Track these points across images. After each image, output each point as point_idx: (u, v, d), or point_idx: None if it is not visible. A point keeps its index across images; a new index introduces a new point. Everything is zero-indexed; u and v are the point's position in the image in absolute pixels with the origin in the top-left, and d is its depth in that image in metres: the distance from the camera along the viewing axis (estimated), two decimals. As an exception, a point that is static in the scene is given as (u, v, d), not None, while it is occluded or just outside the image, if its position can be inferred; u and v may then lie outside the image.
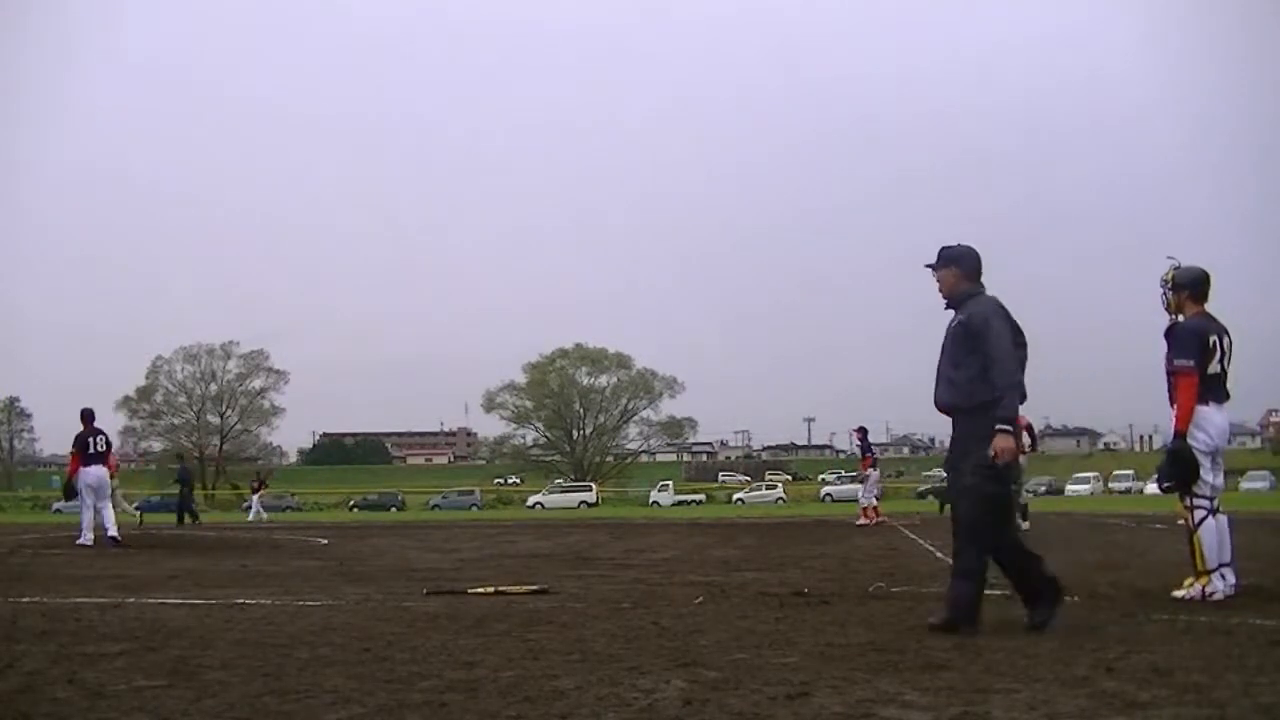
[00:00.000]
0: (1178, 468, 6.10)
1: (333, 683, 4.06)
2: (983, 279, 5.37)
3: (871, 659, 4.40)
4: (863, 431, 19.55)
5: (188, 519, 25.07)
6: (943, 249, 5.39)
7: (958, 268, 5.34)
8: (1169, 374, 6.25)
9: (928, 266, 5.41)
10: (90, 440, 14.34)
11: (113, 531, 14.14)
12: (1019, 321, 5.30)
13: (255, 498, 27.07)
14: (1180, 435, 6.11)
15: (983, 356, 5.08)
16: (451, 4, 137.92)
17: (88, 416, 14.53)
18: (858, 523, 18.12)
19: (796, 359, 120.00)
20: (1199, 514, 6.12)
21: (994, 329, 5.11)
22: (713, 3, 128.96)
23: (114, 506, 14.96)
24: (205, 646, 4.99)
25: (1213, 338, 6.16)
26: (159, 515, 45.70)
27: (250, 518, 25.71)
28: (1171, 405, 6.23)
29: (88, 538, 13.89)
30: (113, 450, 14.91)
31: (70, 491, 14.87)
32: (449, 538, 17.03)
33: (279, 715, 3.59)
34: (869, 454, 19.03)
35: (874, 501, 18.63)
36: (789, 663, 4.35)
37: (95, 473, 14.16)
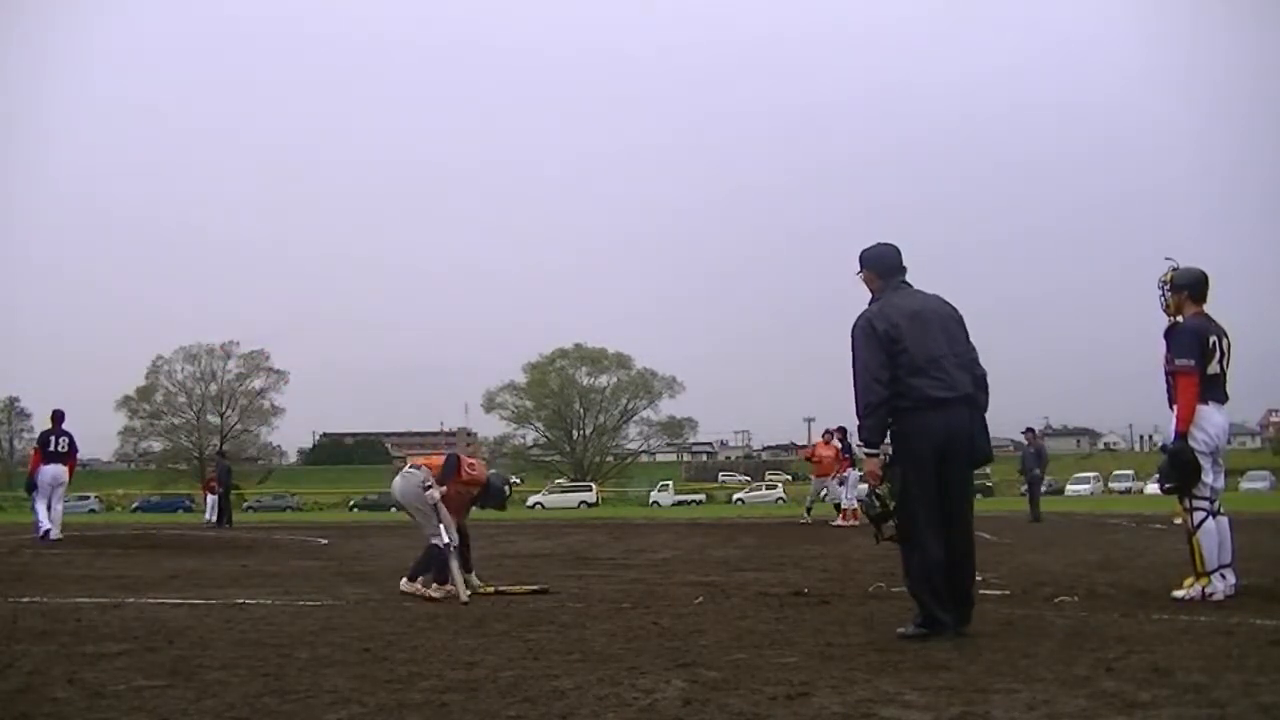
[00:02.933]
0: (1178, 469, 6.09)
1: (333, 683, 4.06)
2: (905, 276, 5.29)
3: (871, 659, 4.40)
4: (842, 431, 19.54)
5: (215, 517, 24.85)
6: (861, 252, 5.38)
7: (870, 269, 5.33)
8: (1168, 374, 6.25)
9: (856, 273, 5.38)
10: (52, 439, 14.95)
11: (55, 530, 14.74)
12: (950, 313, 5.18)
13: (212, 499, 26.56)
14: (1181, 436, 6.10)
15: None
16: (454, 18, 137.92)
17: (57, 417, 15.12)
18: (834, 523, 18.09)
19: (797, 359, 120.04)
20: (1198, 515, 6.12)
21: (856, 345, 5.10)
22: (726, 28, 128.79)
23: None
24: (205, 646, 4.99)
25: (1212, 338, 6.16)
26: (160, 515, 45.87)
27: (206, 517, 25.51)
28: (1171, 406, 6.22)
29: (45, 527, 14.60)
30: (77, 454, 15.31)
31: (30, 486, 15.47)
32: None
33: (279, 715, 3.59)
34: (846, 455, 18.98)
35: (851, 502, 18.54)
36: (789, 663, 4.36)
37: (50, 471, 14.79)
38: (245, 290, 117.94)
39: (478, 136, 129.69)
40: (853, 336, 5.13)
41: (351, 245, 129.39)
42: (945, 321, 5.18)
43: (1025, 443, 22.06)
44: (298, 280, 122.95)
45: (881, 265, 5.31)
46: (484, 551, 13.06)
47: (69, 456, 14.93)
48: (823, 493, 19.45)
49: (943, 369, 5.04)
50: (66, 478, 14.97)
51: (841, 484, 18.83)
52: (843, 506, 18.62)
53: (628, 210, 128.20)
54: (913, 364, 5.00)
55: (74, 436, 15.11)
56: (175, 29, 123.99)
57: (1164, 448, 6.33)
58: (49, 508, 14.83)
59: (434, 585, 7.25)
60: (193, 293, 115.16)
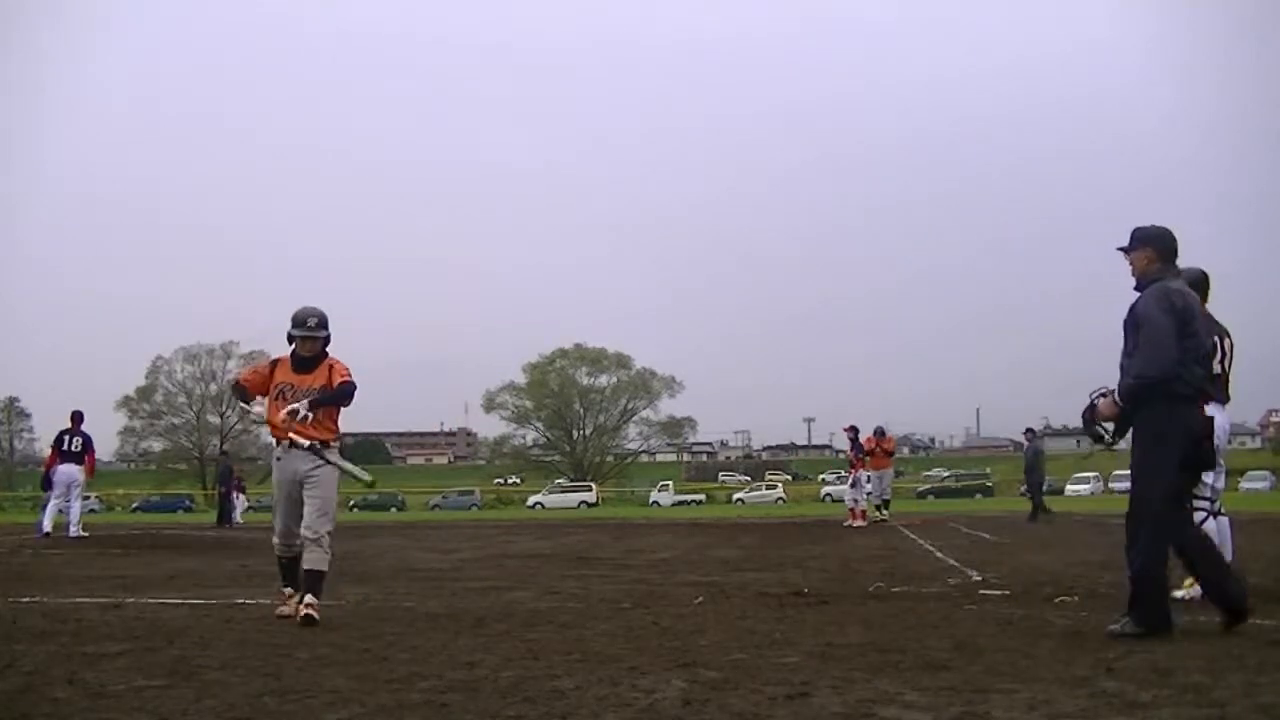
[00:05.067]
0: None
1: (333, 683, 4.06)
2: (1177, 262, 5.06)
3: (871, 659, 4.40)
4: (854, 431, 19.46)
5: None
6: (1136, 230, 5.09)
7: (1151, 249, 5.02)
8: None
9: (1120, 249, 5.11)
10: (65, 438, 15.28)
11: (75, 530, 15.08)
12: (1207, 310, 5.01)
13: (241, 499, 26.48)
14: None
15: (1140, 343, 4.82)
16: (455, 17, 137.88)
17: (75, 418, 15.43)
18: (845, 524, 18.12)
19: (796, 359, 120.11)
20: (1199, 516, 6.11)
21: (1152, 312, 4.81)
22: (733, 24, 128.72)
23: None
24: (205, 646, 4.99)
25: (1213, 338, 6.15)
26: (160, 515, 45.85)
27: (236, 519, 25.45)
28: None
29: (46, 528, 15.05)
30: (93, 453, 15.63)
31: (45, 483, 15.99)
32: (449, 538, 17.04)
33: (279, 715, 3.58)
34: (860, 455, 18.93)
35: (863, 504, 18.54)
36: (789, 663, 4.35)
37: (64, 470, 15.17)
38: (245, 289, 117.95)
39: (477, 136, 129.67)
40: (1145, 305, 4.85)
41: (351, 244, 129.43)
42: (1209, 321, 5.03)
43: (1025, 442, 22.17)
44: (298, 279, 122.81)
45: (1163, 246, 5.02)
46: (484, 552, 13.07)
47: (83, 456, 15.20)
48: (868, 486, 19.17)
49: (1212, 367, 4.91)
50: (81, 477, 15.26)
51: (853, 485, 18.82)
52: (850, 506, 18.64)
53: (628, 210, 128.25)
54: (1199, 351, 4.84)
55: (90, 437, 15.44)
56: (175, 26, 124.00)
57: None
58: (67, 506, 15.17)
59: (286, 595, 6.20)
60: (193, 292, 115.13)
